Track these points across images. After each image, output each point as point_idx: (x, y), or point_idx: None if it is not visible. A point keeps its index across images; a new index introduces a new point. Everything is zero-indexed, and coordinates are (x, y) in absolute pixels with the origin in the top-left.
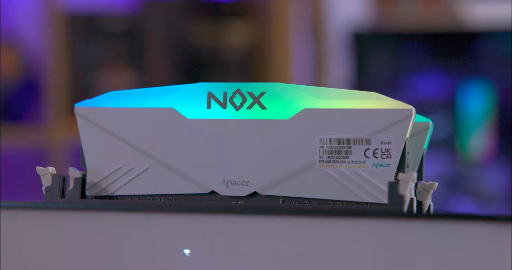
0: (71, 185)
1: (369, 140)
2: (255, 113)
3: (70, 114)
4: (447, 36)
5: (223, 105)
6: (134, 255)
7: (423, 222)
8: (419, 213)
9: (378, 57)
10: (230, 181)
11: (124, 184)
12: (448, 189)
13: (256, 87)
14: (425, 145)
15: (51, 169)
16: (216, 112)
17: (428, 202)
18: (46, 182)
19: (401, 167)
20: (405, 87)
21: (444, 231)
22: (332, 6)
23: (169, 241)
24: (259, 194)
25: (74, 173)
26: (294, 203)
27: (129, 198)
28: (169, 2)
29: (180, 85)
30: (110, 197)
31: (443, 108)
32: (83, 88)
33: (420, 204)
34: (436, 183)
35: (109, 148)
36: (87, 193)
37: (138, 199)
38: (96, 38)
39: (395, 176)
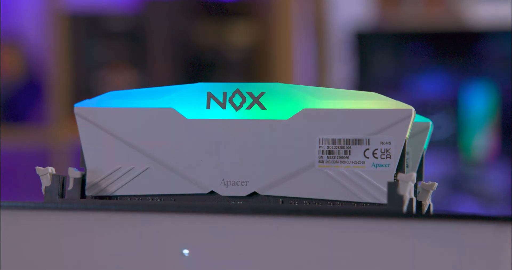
0: (70, 185)
1: (369, 140)
2: (255, 113)
3: (72, 114)
4: (449, 36)
5: (223, 105)
6: (133, 255)
7: (422, 223)
8: (418, 214)
9: (380, 57)
10: (230, 181)
11: (124, 184)
12: (451, 189)
13: (255, 87)
14: (425, 145)
15: (51, 169)
16: (216, 112)
17: (427, 202)
18: (45, 182)
19: (400, 167)
20: (408, 87)
21: (443, 231)
22: (335, 6)
23: (168, 241)
24: (259, 194)
25: (73, 173)
26: (294, 203)
27: (129, 198)
28: (171, 2)
29: (179, 85)
30: (110, 197)
31: (445, 108)
32: (85, 88)
33: (419, 204)
34: (436, 183)
35: (108, 148)
36: (87, 193)
37: (138, 199)
38: (98, 38)
39: (394, 176)
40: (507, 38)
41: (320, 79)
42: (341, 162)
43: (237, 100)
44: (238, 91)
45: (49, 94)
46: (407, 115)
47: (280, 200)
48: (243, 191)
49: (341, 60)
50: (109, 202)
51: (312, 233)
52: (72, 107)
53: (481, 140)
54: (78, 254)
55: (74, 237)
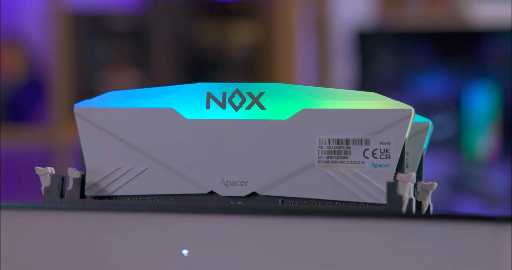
0: (70, 185)
1: (368, 140)
2: (254, 113)
3: None
4: (452, 36)
5: (222, 105)
6: (132, 255)
7: (421, 223)
8: (418, 214)
9: (382, 57)
10: (229, 181)
11: (123, 184)
12: (453, 189)
13: (255, 87)
14: (425, 146)
15: (50, 169)
16: (215, 112)
17: (427, 202)
18: (45, 182)
19: (400, 168)
20: (410, 87)
21: (443, 231)
22: (337, 6)
23: (167, 241)
24: (258, 194)
25: (73, 173)
26: (293, 203)
27: (128, 198)
28: (174, 2)
29: (179, 85)
30: (109, 197)
31: (448, 108)
32: (88, 88)
33: (419, 204)
34: (436, 184)
35: (108, 148)
36: (86, 193)
37: (137, 199)
38: (101, 38)
39: (394, 177)
40: (509, 38)
41: (322, 79)
42: (341, 162)
43: (236, 100)
44: (237, 91)
45: (51, 94)
46: (406, 115)
47: (280, 200)
48: (243, 191)
49: (343, 60)
50: (109, 202)
51: (312, 233)
52: None
53: (483, 140)
54: (78, 254)
55: (74, 237)
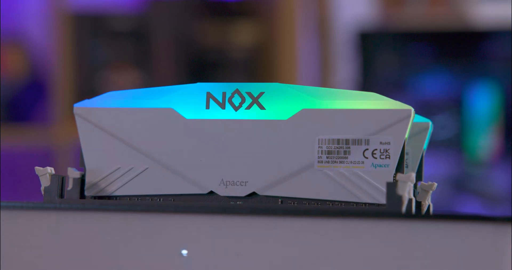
0: (70, 185)
1: (368, 140)
2: (254, 113)
3: None
4: (453, 36)
5: (222, 106)
6: (132, 256)
7: (421, 223)
8: (417, 214)
9: (384, 57)
10: (229, 181)
11: (123, 185)
12: (454, 189)
13: (255, 87)
14: (425, 146)
15: (50, 170)
16: (215, 112)
17: (427, 202)
18: (45, 182)
19: (399, 168)
20: (411, 87)
21: (443, 231)
22: (338, 6)
23: (167, 241)
24: (258, 195)
25: (73, 173)
26: (293, 203)
27: (128, 198)
28: (175, 1)
29: (179, 85)
30: (109, 197)
31: (449, 108)
32: (89, 88)
33: (419, 204)
34: (435, 184)
35: (108, 148)
36: (86, 193)
37: (137, 199)
38: (102, 37)
39: (393, 177)
40: (510, 38)
41: (324, 79)
42: (340, 162)
43: (236, 100)
44: (237, 91)
45: (52, 94)
46: (406, 115)
47: (279, 200)
48: (242, 191)
49: (345, 60)
50: (108, 202)
51: (311, 233)
52: None
53: (485, 140)
54: (78, 254)
55: (74, 237)
